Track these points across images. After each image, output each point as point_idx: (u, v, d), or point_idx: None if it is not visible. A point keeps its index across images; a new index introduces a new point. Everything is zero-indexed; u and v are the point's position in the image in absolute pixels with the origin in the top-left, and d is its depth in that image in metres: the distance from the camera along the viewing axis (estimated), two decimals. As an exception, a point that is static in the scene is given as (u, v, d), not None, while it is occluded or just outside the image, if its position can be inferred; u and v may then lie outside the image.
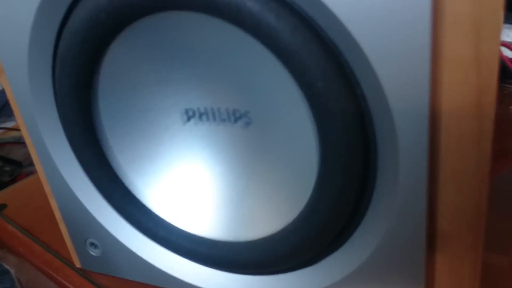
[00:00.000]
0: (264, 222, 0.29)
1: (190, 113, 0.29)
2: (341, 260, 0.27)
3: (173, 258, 0.32)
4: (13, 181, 1.23)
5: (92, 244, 0.34)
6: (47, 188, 0.34)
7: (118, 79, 0.28)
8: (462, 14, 0.19)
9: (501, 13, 0.18)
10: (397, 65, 0.20)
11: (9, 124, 1.54)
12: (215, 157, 0.30)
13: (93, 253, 0.35)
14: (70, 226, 0.35)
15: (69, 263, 0.40)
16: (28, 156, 1.36)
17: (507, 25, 0.60)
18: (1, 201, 0.50)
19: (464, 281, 0.24)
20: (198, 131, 0.29)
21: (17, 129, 1.43)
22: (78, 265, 0.38)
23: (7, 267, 0.49)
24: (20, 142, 1.35)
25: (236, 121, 0.27)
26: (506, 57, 0.51)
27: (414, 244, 0.24)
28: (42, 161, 0.32)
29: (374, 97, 0.21)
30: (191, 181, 0.31)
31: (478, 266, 0.24)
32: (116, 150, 0.30)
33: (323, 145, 0.23)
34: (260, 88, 0.25)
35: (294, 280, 0.29)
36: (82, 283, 0.38)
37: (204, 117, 0.28)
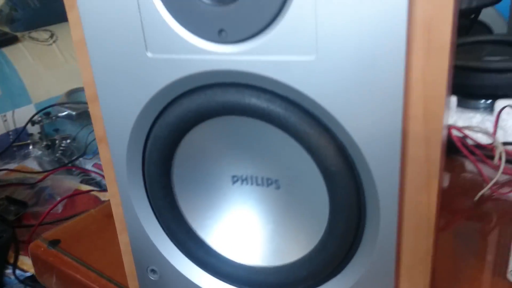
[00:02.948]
0: (292, 251, 0.42)
1: (236, 178, 0.42)
2: (337, 284, 0.40)
3: (222, 285, 0.44)
4: (19, 220, 1.31)
5: (152, 270, 0.46)
6: (119, 226, 0.46)
7: (187, 157, 0.41)
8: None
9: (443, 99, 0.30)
10: (374, 136, 0.34)
11: (12, 166, 1.61)
12: (256, 208, 0.43)
13: (152, 278, 0.47)
14: (136, 256, 0.47)
15: (122, 285, 0.52)
16: (32, 197, 1.44)
17: (460, 109, 0.76)
18: (54, 237, 0.61)
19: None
20: (242, 190, 0.42)
21: (19, 171, 1.50)
22: (135, 288, 0.50)
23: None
24: (24, 184, 1.42)
25: (269, 186, 0.41)
26: (456, 136, 0.66)
27: (387, 274, 0.37)
28: (125, 210, 0.45)
29: (367, 175, 0.35)
30: (241, 224, 0.44)
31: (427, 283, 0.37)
32: (185, 208, 0.43)
33: (332, 204, 0.36)
34: (286, 163, 0.39)
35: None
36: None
37: (245, 182, 0.41)
